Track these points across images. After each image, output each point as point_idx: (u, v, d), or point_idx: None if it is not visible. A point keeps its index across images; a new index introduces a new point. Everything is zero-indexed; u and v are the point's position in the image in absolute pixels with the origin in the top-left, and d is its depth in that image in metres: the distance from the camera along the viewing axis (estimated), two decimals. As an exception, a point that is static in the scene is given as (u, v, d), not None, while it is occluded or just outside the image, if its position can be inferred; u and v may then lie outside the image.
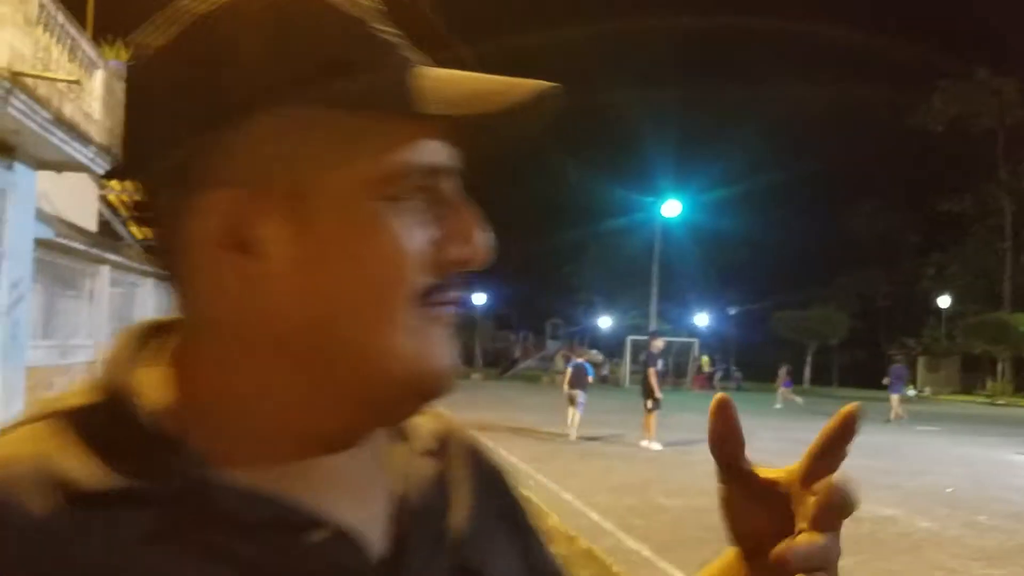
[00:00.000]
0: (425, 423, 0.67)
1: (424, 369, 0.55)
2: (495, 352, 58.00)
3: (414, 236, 0.54)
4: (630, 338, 39.35)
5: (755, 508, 0.60)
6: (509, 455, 11.06)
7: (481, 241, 0.57)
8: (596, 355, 38.66)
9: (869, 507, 8.75)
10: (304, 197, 0.52)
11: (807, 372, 51.54)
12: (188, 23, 0.54)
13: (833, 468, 0.57)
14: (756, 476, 0.60)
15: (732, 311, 55.47)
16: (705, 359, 37.76)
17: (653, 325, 35.05)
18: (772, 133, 58.30)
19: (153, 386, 0.54)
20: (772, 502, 0.59)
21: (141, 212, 0.56)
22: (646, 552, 6.83)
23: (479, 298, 58.17)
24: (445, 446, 0.68)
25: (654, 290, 38.84)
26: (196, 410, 0.54)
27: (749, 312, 55.08)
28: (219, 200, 0.52)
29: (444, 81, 0.55)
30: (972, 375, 47.00)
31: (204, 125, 0.52)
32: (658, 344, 15.01)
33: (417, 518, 0.60)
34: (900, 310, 56.69)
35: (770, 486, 0.60)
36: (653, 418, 13.90)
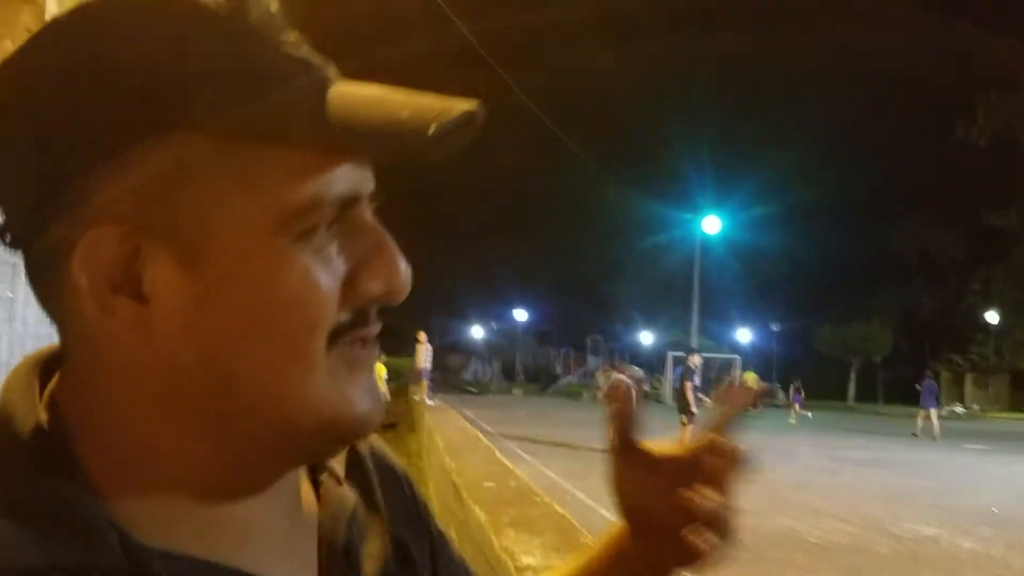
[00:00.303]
0: None
1: (341, 415, 0.51)
2: (536, 368, 58.02)
3: (325, 274, 0.49)
4: (671, 354, 39.21)
5: (646, 482, 0.63)
6: (547, 470, 11.10)
7: (400, 272, 0.52)
8: (636, 371, 38.52)
9: (910, 526, 8.68)
10: (197, 236, 0.47)
11: (851, 389, 50.89)
12: (49, 36, 0.48)
13: (730, 438, 0.63)
14: (647, 452, 0.64)
15: (775, 327, 54.94)
16: (750, 375, 37.46)
17: (694, 341, 34.90)
18: (813, 148, 57.77)
19: (57, 443, 0.49)
20: (664, 476, 0.63)
21: (9, 235, 0.51)
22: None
23: (520, 314, 58.30)
24: (354, 463, 0.65)
25: (695, 306, 38.67)
26: (103, 469, 0.49)
27: (792, 328, 54.55)
28: (101, 238, 0.47)
29: (357, 104, 0.49)
30: (1022, 392, 46.02)
31: (79, 155, 0.47)
32: (695, 360, 15.07)
33: (343, 556, 0.59)
34: (945, 326, 55.70)
35: (663, 461, 0.63)
36: (687, 433, 13.86)
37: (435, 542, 0.71)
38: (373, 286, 0.51)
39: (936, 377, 49.70)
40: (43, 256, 0.49)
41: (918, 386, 24.83)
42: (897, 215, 56.62)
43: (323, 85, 0.50)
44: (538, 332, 61.41)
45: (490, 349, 59.83)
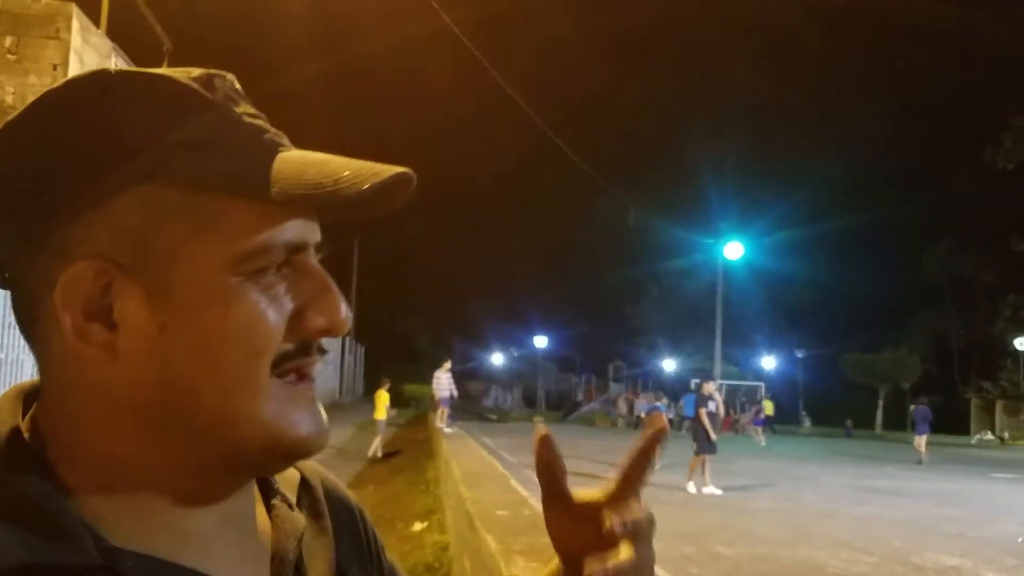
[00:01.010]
0: (287, 473, 0.70)
1: (285, 434, 0.58)
2: (558, 395, 57.76)
3: (273, 309, 0.57)
4: (694, 381, 38.93)
5: (575, 527, 0.67)
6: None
7: (340, 311, 0.60)
8: (661, 398, 38.38)
9: (932, 556, 8.56)
10: (162, 273, 0.55)
11: (878, 416, 50.24)
12: (38, 101, 0.57)
13: (638, 488, 0.67)
14: (574, 499, 0.68)
15: (800, 354, 54.41)
16: (767, 403, 37.18)
17: (718, 368, 34.71)
18: (841, 174, 57.55)
19: (37, 455, 0.56)
20: (590, 522, 0.66)
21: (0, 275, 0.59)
22: (700, 599, 6.78)
23: (542, 341, 58.17)
24: (306, 492, 0.72)
25: (718, 332, 38.41)
26: (78, 478, 0.56)
27: (818, 355, 54.01)
28: (78, 273, 0.55)
29: (300, 165, 0.58)
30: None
31: (68, 205, 0.55)
32: (709, 387, 15.02)
33: (293, 571, 0.64)
34: (975, 353, 55.02)
35: (587, 508, 0.67)
36: (704, 463, 13.69)
37: (384, 572, 0.77)
38: (317, 321, 0.59)
39: (966, 404, 49.23)
40: (30, 290, 0.57)
41: (912, 409, 24.84)
42: (927, 241, 56.17)
43: (275, 149, 0.59)
44: (560, 359, 61.20)
45: (511, 376, 59.69)
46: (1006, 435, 43.00)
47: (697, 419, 14.25)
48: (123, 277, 0.55)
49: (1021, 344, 48.50)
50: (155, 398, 0.55)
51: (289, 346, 0.58)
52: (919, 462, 22.23)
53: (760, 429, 31.49)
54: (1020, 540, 9.92)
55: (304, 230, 0.59)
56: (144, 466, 0.57)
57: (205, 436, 0.56)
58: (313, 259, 0.61)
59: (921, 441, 23.09)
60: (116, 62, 9.99)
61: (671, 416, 38.75)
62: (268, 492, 0.68)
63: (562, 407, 51.97)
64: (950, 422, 43.55)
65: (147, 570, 0.54)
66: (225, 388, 0.55)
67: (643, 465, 0.68)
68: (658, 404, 16.90)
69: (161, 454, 0.57)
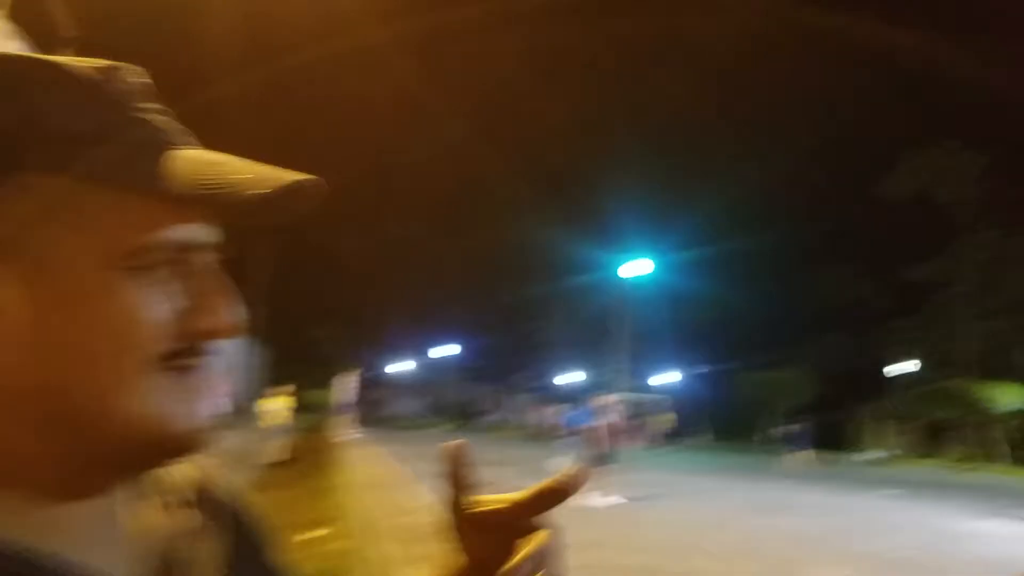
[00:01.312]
0: (181, 472, 0.69)
1: (165, 429, 0.56)
2: (465, 404, 57.67)
3: (155, 305, 0.55)
4: (596, 393, 39.34)
5: (479, 536, 0.67)
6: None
7: (229, 313, 0.59)
8: (560, 408, 38.78)
9: (818, 570, 8.87)
10: (42, 262, 0.54)
11: (776, 432, 51.69)
12: None
13: (551, 506, 0.67)
14: (480, 510, 0.68)
15: (703, 369, 55.66)
16: (667, 417, 37.96)
17: (620, 382, 35.22)
18: (743, 198, 59.11)
19: None
20: (494, 530, 0.66)
21: None
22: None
23: (451, 350, 58.05)
24: (200, 493, 0.70)
25: (622, 346, 39.01)
26: None
27: (720, 371, 55.32)
28: None
29: (198, 164, 0.56)
30: (938, 439, 47.39)
31: None
32: (608, 399, 15.27)
33: (179, 567, 0.64)
34: (866, 374, 57.17)
35: (492, 517, 0.67)
36: (604, 473, 13.89)
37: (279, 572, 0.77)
38: (204, 323, 0.58)
39: (857, 423, 51.12)
40: None
41: (787, 430, 26.30)
42: (826, 266, 58.12)
43: (175, 146, 0.57)
44: (468, 368, 61.10)
45: (418, 384, 59.38)
46: (899, 451, 44.83)
47: (592, 431, 14.46)
48: (1, 265, 0.54)
49: (908, 367, 50.75)
50: (28, 388, 0.54)
51: (175, 345, 0.56)
52: (804, 474, 23.20)
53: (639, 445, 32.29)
54: (898, 554, 10.36)
55: (199, 230, 0.58)
56: (15, 455, 0.55)
57: (81, 429, 0.55)
58: (208, 259, 0.60)
59: (801, 456, 24.37)
60: (16, 46, 9.60)
61: (587, 424, 39.20)
62: (159, 489, 0.67)
63: (468, 416, 51.95)
64: (841, 439, 45.22)
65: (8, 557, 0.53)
66: (100, 382, 0.54)
67: (555, 501, 0.68)
68: (578, 413, 17.15)
69: (34, 444, 0.55)
